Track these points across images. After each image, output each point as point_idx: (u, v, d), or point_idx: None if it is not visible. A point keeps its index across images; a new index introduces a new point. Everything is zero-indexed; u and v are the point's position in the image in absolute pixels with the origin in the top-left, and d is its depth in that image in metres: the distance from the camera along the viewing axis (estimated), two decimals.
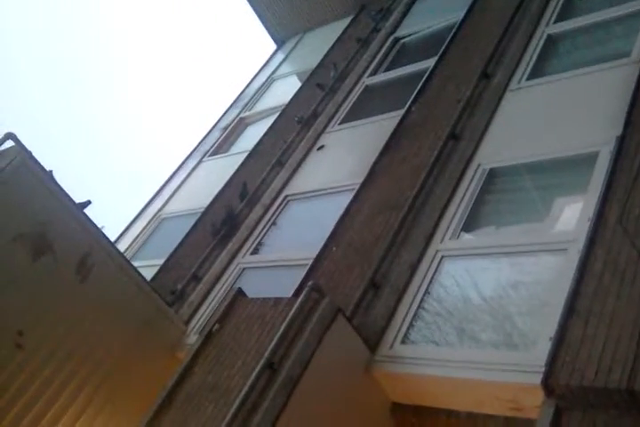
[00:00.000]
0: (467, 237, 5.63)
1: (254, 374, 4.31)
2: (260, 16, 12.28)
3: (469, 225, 5.63)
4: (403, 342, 4.90)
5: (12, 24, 18.32)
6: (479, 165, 6.06)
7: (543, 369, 3.97)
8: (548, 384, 3.92)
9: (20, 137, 5.48)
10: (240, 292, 5.27)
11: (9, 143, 5.44)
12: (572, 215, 5.00)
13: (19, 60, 18.25)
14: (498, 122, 6.48)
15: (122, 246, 9.00)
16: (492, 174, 6.00)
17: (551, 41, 7.28)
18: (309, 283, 4.81)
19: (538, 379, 3.95)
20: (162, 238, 8.93)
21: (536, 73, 6.89)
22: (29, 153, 5.48)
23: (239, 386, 4.39)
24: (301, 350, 4.46)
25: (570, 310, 4.18)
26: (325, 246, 6.28)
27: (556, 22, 7.45)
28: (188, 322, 6.64)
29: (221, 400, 4.47)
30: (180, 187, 9.86)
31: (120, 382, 5.80)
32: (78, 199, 5.93)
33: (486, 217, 5.84)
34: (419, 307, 5.07)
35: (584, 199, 5.01)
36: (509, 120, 6.46)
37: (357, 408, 4.71)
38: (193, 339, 5.84)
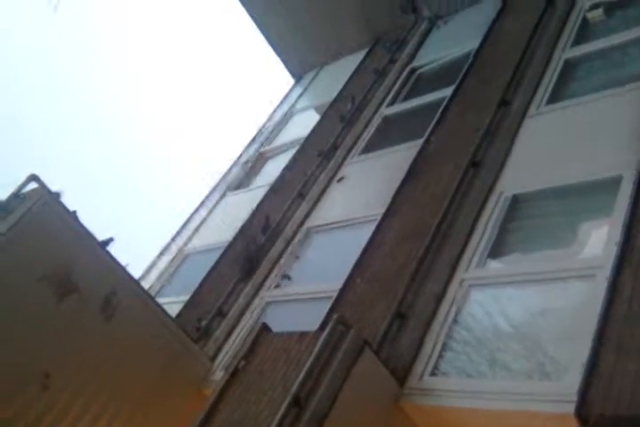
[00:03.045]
0: (493, 265, 5.56)
1: (281, 410, 4.23)
2: (277, 51, 12.43)
3: (495, 253, 5.57)
4: (432, 373, 4.81)
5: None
6: (501, 193, 6.02)
7: (576, 398, 3.88)
8: (581, 414, 3.81)
9: (43, 177, 5.53)
10: (265, 327, 5.22)
11: (32, 185, 5.49)
12: (599, 240, 4.93)
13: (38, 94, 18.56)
14: (518, 148, 6.45)
15: (147, 283, 9.01)
16: (515, 201, 5.95)
17: (569, 65, 7.28)
18: (334, 316, 4.74)
19: (571, 408, 3.85)
20: (186, 274, 8.93)
21: (555, 98, 6.87)
22: (53, 194, 5.53)
23: (266, 423, 4.32)
24: (328, 385, 4.39)
25: (600, 336, 4.09)
26: (349, 278, 6.22)
27: (572, 46, 7.46)
28: (213, 358, 6.59)
29: None
30: (202, 222, 9.88)
31: (147, 420, 5.75)
32: (103, 236, 5.95)
33: (511, 244, 5.77)
34: (447, 337, 4.99)
35: (609, 223, 4.94)
36: (530, 146, 6.43)
37: None
38: (219, 375, 5.79)
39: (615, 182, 5.21)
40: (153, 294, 8.11)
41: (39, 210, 5.40)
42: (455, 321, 5.05)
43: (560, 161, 5.95)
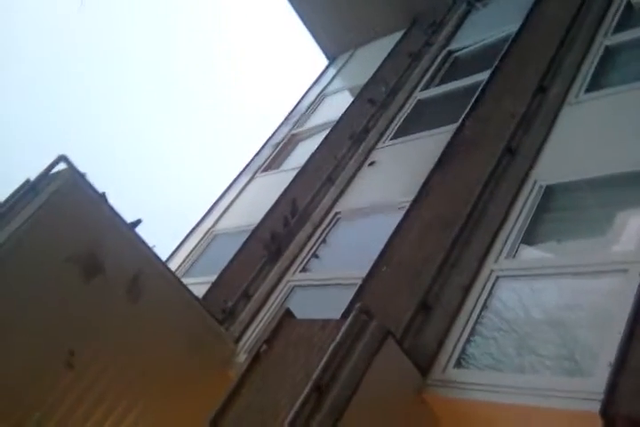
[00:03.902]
0: (523, 256, 5.44)
1: (302, 397, 4.22)
2: (311, 32, 12.31)
3: (526, 244, 5.45)
4: (456, 365, 4.76)
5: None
6: (535, 182, 5.88)
7: (602, 397, 3.79)
8: (607, 414, 3.72)
9: (72, 159, 5.53)
10: (288, 312, 5.20)
11: (61, 165, 5.50)
12: (634, 234, 4.80)
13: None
14: (555, 137, 6.29)
15: (175, 263, 9.08)
16: (549, 191, 5.82)
17: (610, 52, 7.05)
18: (357, 305, 4.70)
19: (596, 407, 3.77)
20: (214, 255, 8.95)
21: (595, 86, 6.68)
22: (81, 175, 5.54)
23: (287, 409, 4.31)
24: (350, 373, 4.36)
25: (630, 334, 3.98)
26: (375, 266, 6.16)
27: (614, 33, 7.23)
28: (238, 340, 6.61)
29: (269, 423, 4.40)
30: (232, 203, 9.88)
31: (170, 401, 5.79)
32: (133, 217, 5.97)
33: (543, 236, 5.65)
34: (472, 329, 4.92)
35: None
36: (567, 135, 6.27)
37: None
38: (243, 358, 5.81)
39: None
40: (180, 274, 8.16)
41: (67, 191, 5.42)
42: (481, 313, 4.98)
43: (597, 151, 5.80)
